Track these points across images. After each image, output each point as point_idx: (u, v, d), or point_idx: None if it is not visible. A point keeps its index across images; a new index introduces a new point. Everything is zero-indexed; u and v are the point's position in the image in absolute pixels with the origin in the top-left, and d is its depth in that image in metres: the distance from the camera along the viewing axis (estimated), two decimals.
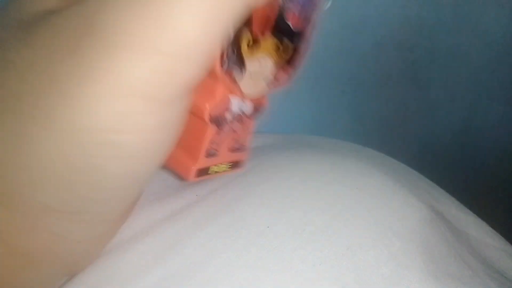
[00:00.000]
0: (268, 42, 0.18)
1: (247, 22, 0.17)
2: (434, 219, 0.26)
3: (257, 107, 0.21)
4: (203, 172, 0.21)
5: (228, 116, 0.20)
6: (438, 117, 0.61)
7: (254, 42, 0.18)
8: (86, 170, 0.12)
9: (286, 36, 0.18)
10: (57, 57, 0.11)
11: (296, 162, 0.27)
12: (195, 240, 0.21)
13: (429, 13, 0.55)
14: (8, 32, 0.12)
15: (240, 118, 0.20)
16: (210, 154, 0.21)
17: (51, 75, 0.11)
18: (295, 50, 0.19)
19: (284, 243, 0.21)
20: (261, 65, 0.19)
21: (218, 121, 0.20)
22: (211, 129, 0.20)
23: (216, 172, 0.22)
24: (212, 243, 0.21)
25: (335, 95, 0.55)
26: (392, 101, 0.59)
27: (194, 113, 0.20)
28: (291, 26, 0.18)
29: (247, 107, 0.20)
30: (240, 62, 0.18)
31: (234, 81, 0.18)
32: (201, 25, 0.12)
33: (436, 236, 0.25)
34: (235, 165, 0.23)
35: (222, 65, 0.17)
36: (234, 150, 0.22)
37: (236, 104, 0.20)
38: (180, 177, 0.22)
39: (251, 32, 0.18)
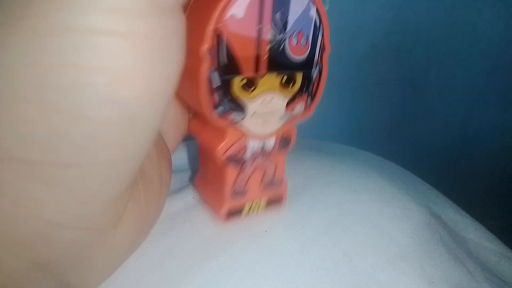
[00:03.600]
0: (269, 78, 0.18)
1: (235, 69, 0.16)
2: (432, 223, 0.26)
3: (284, 139, 0.20)
4: (236, 212, 0.21)
5: (247, 155, 0.20)
6: (435, 121, 0.61)
7: (250, 83, 0.17)
8: (69, 91, 0.11)
9: (291, 66, 0.18)
10: None
11: (294, 166, 0.27)
12: (192, 243, 0.21)
13: (426, 18, 0.55)
14: None
15: (264, 154, 0.20)
16: (238, 193, 0.21)
17: None
18: (307, 78, 0.18)
19: (281, 248, 0.21)
20: (265, 103, 0.18)
21: (236, 161, 0.20)
22: (230, 170, 0.20)
23: (252, 211, 0.21)
24: (209, 247, 0.21)
25: (333, 99, 0.56)
26: (389, 105, 0.59)
27: (212, 157, 0.20)
28: (289, 56, 0.17)
29: (270, 143, 0.20)
30: (238, 105, 0.18)
31: (233, 123, 0.18)
32: None
33: (434, 239, 0.25)
34: (273, 200, 0.22)
35: (216, 111, 0.17)
36: (268, 185, 0.21)
37: (255, 142, 0.19)
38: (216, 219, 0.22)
39: (242, 74, 0.17)
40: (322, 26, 0.18)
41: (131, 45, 0.11)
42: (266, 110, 0.18)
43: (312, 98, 0.19)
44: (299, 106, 0.19)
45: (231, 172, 0.20)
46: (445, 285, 0.21)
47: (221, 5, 0.15)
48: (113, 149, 0.13)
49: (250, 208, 0.21)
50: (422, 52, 0.57)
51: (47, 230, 0.13)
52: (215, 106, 0.17)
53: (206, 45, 0.15)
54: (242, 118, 0.18)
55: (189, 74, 0.16)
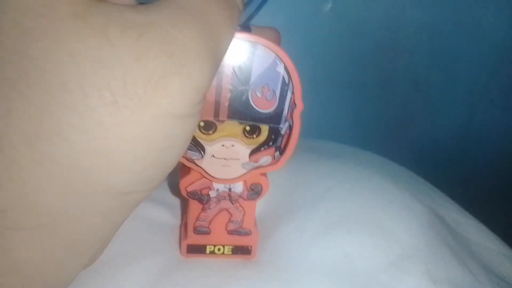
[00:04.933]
0: (230, 125, 0.18)
1: None
2: (436, 223, 0.26)
3: (253, 188, 0.20)
4: (198, 249, 0.21)
5: (212, 194, 0.20)
6: (438, 120, 0.61)
7: (209, 126, 0.18)
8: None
9: (255, 118, 0.17)
10: None
11: (294, 174, 0.27)
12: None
13: (429, 17, 0.55)
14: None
15: (231, 197, 0.20)
16: (200, 231, 0.21)
17: None
18: (274, 131, 0.18)
19: (281, 248, 0.22)
20: (225, 148, 0.18)
21: (199, 198, 0.20)
22: (193, 206, 0.20)
23: (215, 253, 0.21)
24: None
25: (335, 97, 0.55)
26: (392, 104, 0.59)
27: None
28: (254, 108, 0.17)
29: (238, 188, 0.20)
30: (196, 144, 0.18)
31: (190, 161, 0.18)
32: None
33: (437, 240, 0.25)
34: (239, 249, 0.21)
35: None
36: (234, 233, 0.21)
37: (220, 184, 0.19)
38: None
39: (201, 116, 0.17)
40: (292, 83, 0.17)
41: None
42: (226, 155, 0.18)
43: (281, 152, 0.19)
44: (265, 158, 0.19)
45: (193, 208, 0.20)
46: (449, 286, 0.22)
47: None
48: None
49: (212, 251, 0.21)
50: (425, 52, 0.57)
51: None
52: None
53: None
54: (200, 158, 0.18)
55: None
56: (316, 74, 0.50)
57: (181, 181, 0.19)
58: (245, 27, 0.17)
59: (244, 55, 0.17)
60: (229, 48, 0.15)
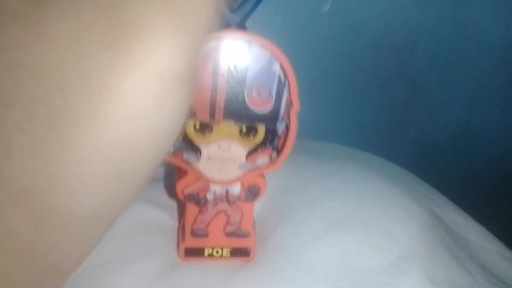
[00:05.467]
0: (226, 125, 0.17)
1: (190, 113, 0.16)
2: (434, 224, 0.26)
3: (251, 189, 0.20)
4: (196, 252, 0.21)
5: (209, 197, 0.19)
6: (437, 121, 0.61)
7: (205, 127, 0.17)
8: (126, 165, 0.11)
9: (251, 118, 0.17)
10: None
11: (293, 176, 0.27)
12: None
13: (428, 18, 0.55)
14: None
15: (228, 199, 0.20)
16: (197, 234, 0.20)
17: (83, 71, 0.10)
18: (270, 131, 0.18)
19: (280, 250, 0.22)
20: (222, 149, 0.18)
21: (196, 200, 0.20)
22: (190, 208, 0.20)
23: (213, 255, 0.21)
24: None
25: (334, 98, 0.55)
26: (391, 104, 0.59)
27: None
28: (250, 108, 0.17)
29: (235, 190, 0.19)
30: (192, 146, 0.18)
31: (187, 163, 0.18)
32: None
33: (436, 241, 0.25)
34: (238, 251, 0.21)
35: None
36: (233, 235, 0.21)
37: (217, 186, 0.19)
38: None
39: (196, 118, 0.17)
40: (288, 82, 0.17)
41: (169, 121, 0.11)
42: (223, 156, 0.18)
43: (278, 152, 0.19)
44: (262, 159, 0.19)
45: (190, 210, 0.20)
46: (447, 287, 0.22)
47: None
48: None
49: (210, 253, 0.21)
50: (424, 52, 0.57)
51: None
52: None
53: None
54: (196, 160, 0.18)
55: None
56: (315, 75, 0.50)
57: (178, 184, 0.19)
58: (241, 27, 0.17)
59: (239, 54, 0.16)
60: (224, 48, 0.15)
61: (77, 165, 0.10)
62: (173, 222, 0.23)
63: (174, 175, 0.20)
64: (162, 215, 0.23)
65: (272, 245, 0.22)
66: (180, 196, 0.19)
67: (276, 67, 0.17)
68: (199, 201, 0.20)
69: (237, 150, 0.18)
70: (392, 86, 0.58)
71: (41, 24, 0.10)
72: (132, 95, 0.10)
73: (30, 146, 0.10)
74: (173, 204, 0.25)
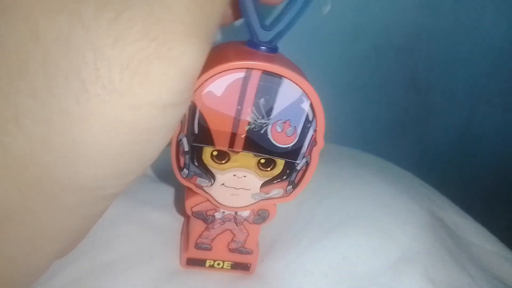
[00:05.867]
0: (245, 156, 0.17)
1: (206, 140, 0.16)
2: (435, 225, 0.26)
3: (260, 213, 0.20)
4: (198, 262, 0.21)
5: (217, 215, 0.19)
6: (437, 122, 0.61)
7: (222, 155, 0.17)
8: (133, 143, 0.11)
9: (272, 152, 0.17)
10: None
11: None
12: None
13: (428, 18, 0.55)
14: None
15: (236, 219, 0.20)
16: (201, 247, 0.21)
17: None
18: (290, 166, 0.17)
19: (278, 258, 0.22)
20: (237, 178, 0.17)
21: (203, 217, 0.20)
22: (196, 225, 0.20)
23: (214, 267, 0.21)
24: None
25: (334, 100, 0.55)
26: (391, 106, 0.59)
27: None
28: (271, 142, 0.16)
29: (245, 212, 0.19)
30: (206, 172, 0.17)
31: (199, 187, 0.18)
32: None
33: (436, 242, 0.25)
34: (239, 265, 0.21)
35: (181, 172, 0.17)
36: (235, 251, 0.21)
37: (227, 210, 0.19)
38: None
39: (214, 146, 0.16)
40: (316, 121, 0.16)
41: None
42: (237, 185, 0.18)
43: (294, 186, 0.18)
44: (277, 190, 0.18)
45: (196, 226, 0.20)
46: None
47: (199, 82, 0.15)
48: None
49: (211, 265, 0.21)
50: (425, 53, 0.57)
51: None
52: (180, 168, 0.17)
53: None
54: (209, 186, 0.18)
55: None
56: (315, 76, 0.50)
57: (187, 202, 0.19)
58: (272, 46, 0.16)
59: (269, 88, 0.16)
60: (254, 80, 0.14)
61: (79, 139, 0.10)
62: (176, 225, 0.23)
63: (183, 187, 0.20)
64: (164, 217, 0.24)
65: (271, 254, 0.22)
66: (189, 213, 0.19)
67: (306, 105, 0.16)
68: (206, 219, 0.20)
69: (253, 180, 0.18)
70: (392, 87, 0.58)
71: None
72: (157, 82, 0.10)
73: (42, 116, 0.10)
74: (176, 205, 0.25)
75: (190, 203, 0.19)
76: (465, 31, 0.56)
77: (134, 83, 0.10)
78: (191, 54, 0.11)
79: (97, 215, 0.13)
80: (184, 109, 0.12)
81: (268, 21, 0.16)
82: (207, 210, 0.19)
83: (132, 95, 0.10)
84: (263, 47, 0.16)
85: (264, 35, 0.16)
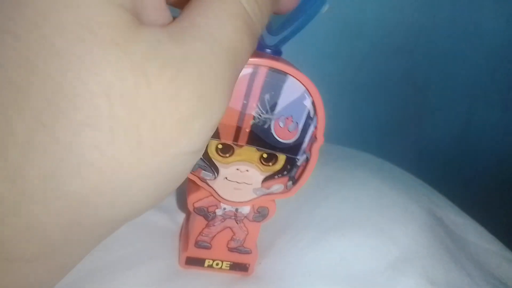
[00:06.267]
0: (248, 150, 0.18)
1: (215, 133, 0.16)
2: (434, 225, 0.26)
3: (260, 210, 0.20)
4: (197, 262, 0.21)
5: (218, 212, 0.20)
6: (437, 121, 0.61)
7: (227, 149, 0.17)
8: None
9: (274, 147, 0.17)
10: None
11: None
12: None
13: (427, 18, 0.55)
14: None
15: (236, 217, 0.20)
16: (201, 246, 0.21)
17: None
18: (290, 162, 0.18)
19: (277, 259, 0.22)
20: (239, 172, 0.18)
21: (204, 214, 0.20)
22: (198, 221, 0.20)
23: (213, 267, 0.21)
24: None
25: (333, 99, 0.55)
26: (391, 105, 0.59)
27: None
28: (274, 137, 0.17)
29: (245, 208, 0.20)
30: (211, 165, 0.18)
31: (203, 180, 0.18)
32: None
33: (435, 242, 0.25)
34: (237, 266, 0.21)
35: None
36: (235, 250, 0.21)
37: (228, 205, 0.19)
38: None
39: (219, 139, 0.17)
40: (317, 118, 0.17)
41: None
42: (239, 179, 0.18)
43: (294, 182, 0.19)
44: (277, 186, 0.19)
45: (197, 223, 0.20)
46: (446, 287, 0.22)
47: None
48: None
49: (210, 265, 0.21)
50: (424, 52, 0.57)
51: None
52: None
53: None
54: (213, 179, 0.18)
55: None
56: (314, 75, 0.50)
57: (189, 197, 0.19)
58: (276, 50, 0.17)
59: (274, 84, 0.16)
60: (261, 76, 0.15)
61: (126, 185, 0.11)
62: (174, 226, 0.23)
63: (184, 184, 0.20)
64: (163, 219, 0.24)
65: (270, 257, 0.22)
66: (191, 208, 0.20)
67: (308, 102, 0.17)
68: (208, 215, 0.20)
69: (254, 175, 0.18)
70: (391, 86, 0.58)
71: None
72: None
73: (100, 165, 0.10)
74: (174, 208, 0.25)
75: (193, 199, 0.19)
76: (465, 30, 0.56)
77: (179, 136, 0.11)
78: (223, 109, 0.12)
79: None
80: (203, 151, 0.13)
81: (274, 26, 0.17)
82: (209, 206, 0.20)
83: (175, 145, 0.11)
84: (268, 50, 0.17)
85: (270, 40, 0.17)
